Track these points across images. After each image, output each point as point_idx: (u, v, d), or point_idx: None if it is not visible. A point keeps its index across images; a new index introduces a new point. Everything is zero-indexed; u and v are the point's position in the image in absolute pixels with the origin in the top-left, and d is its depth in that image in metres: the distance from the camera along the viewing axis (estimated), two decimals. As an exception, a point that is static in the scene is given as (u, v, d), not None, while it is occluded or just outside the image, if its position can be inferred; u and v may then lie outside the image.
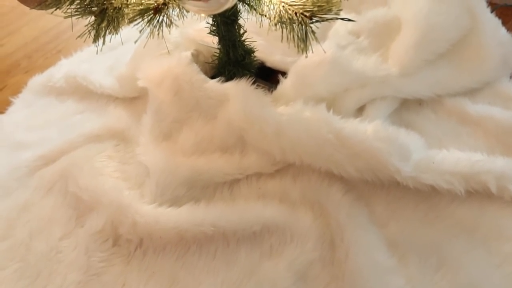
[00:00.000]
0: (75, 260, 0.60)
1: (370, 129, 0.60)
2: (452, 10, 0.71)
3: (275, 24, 0.49)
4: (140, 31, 0.48)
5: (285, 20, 0.47)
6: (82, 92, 0.91)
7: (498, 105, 0.72)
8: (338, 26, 0.78)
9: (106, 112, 0.86)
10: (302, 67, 0.66)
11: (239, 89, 0.65)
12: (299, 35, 0.47)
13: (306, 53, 0.48)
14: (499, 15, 0.78)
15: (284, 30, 0.48)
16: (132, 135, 0.76)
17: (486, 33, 0.74)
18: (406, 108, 0.73)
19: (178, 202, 0.63)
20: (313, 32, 0.47)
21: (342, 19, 0.48)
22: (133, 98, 0.85)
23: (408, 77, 0.69)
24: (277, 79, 0.70)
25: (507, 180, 0.57)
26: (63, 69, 0.94)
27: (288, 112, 0.62)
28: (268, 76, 0.73)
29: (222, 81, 0.67)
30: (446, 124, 0.71)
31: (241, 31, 0.67)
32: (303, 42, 0.46)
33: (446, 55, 0.73)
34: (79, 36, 0.53)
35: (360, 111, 0.70)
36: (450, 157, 0.62)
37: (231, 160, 0.65)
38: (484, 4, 0.75)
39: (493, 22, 0.76)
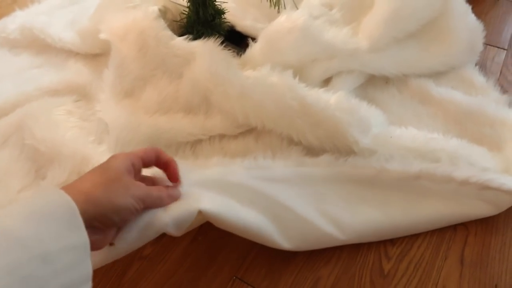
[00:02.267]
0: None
1: (333, 99, 0.64)
2: (425, -10, 0.75)
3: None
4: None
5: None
6: (39, 45, 0.90)
7: (460, 90, 0.77)
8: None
9: (65, 67, 0.86)
10: (273, 32, 0.68)
11: (207, 49, 0.66)
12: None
13: (279, 8, 0.50)
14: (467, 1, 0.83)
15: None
16: (93, 91, 0.77)
17: (455, 17, 0.79)
18: (373, 85, 0.77)
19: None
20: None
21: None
22: (95, 55, 0.85)
23: (376, 53, 0.73)
24: (247, 44, 0.72)
25: (459, 159, 0.62)
26: (18, 20, 0.92)
27: (254, 76, 0.65)
28: (237, 42, 0.75)
29: (190, 40, 0.68)
30: (409, 103, 0.76)
31: (213, -11, 0.68)
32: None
33: (415, 35, 0.77)
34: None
35: (326, 83, 0.73)
36: (407, 133, 0.66)
37: (195, 121, 0.67)
38: (456, -12, 0.80)
39: (463, 7, 0.81)
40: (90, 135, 0.68)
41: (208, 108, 0.68)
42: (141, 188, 0.45)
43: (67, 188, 0.39)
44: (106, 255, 0.46)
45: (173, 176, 0.51)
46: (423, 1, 0.76)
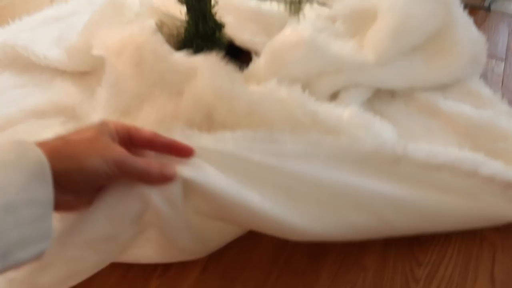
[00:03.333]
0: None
1: (346, 114, 0.62)
2: (429, 2, 0.75)
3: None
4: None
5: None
6: (22, 64, 0.87)
7: (468, 103, 0.76)
8: (308, 12, 0.80)
9: (51, 87, 0.83)
10: (278, 45, 0.67)
11: (209, 64, 0.64)
12: None
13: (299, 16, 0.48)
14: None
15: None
16: (83, 112, 0.74)
17: (459, 29, 0.79)
18: (378, 98, 0.76)
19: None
20: None
21: None
22: (83, 74, 0.83)
23: (383, 66, 0.72)
24: (247, 59, 0.70)
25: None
26: (-2, 38, 0.89)
27: (260, 91, 0.63)
28: (236, 56, 0.74)
29: (190, 54, 0.66)
30: (417, 117, 0.75)
31: (212, 2, 0.67)
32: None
33: (421, 49, 0.77)
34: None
35: (333, 97, 0.72)
36: (419, 149, 0.64)
37: (198, 140, 0.64)
38: (459, 1, 0.81)
39: (465, 19, 0.81)
40: None
41: (211, 125, 0.66)
42: (118, 152, 0.42)
43: (41, 144, 0.39)
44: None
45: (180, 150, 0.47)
46: (426, 13, 0.76)
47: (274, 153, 0.54)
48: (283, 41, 0.67)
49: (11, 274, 0.37)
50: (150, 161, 0.45)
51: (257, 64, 0.68)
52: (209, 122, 0.65)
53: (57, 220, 0.41)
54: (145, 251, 0.54)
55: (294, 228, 0.51)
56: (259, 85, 0.64)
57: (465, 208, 0.57)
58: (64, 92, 0.80)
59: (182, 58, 0.66)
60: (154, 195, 0.44)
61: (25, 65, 0.87)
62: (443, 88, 0.79)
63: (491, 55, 0.95)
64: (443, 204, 0.57)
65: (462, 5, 0.82)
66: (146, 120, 0.67)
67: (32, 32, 0.94)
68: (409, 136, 0.69)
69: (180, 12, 0.70)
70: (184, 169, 0.46)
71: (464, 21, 0.81)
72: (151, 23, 0.69)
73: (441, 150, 0.60)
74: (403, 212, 0.55)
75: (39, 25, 0.99)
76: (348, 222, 0.53)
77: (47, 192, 0.36)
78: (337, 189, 0.54)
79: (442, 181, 0.57)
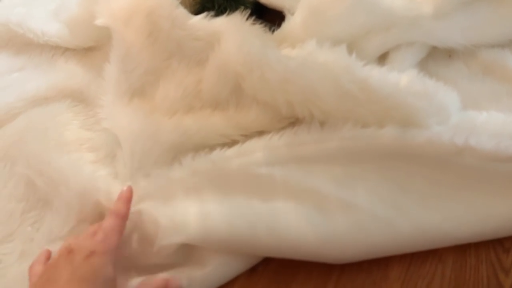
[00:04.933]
0: (22, 275, 0.50)
1: (404, 81, 0.54)
2: None
3: None
4: None
5: None
6: (18, 43, 0.80)
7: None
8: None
9: (53, 68, 0.76)
10: (317, 0, 0.58)
11: (233, 26, 0.57)
12: None
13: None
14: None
15: None
16: (93, 94, 0.67)
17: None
18: (433, 59, 0.67)
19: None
20: None
21: None
22: (89, 49, 0.76)
23: (441, 20, 0.63)
24: (277, 18, 0.62)
25: None
26: (-12, 17, 0.82)
27: (297, 55, 0.55)
28: (263, 17, 0.66)
29: (211, 17, 0.59)
30: (481, 80, 0.65)
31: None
32: None
33: (485, -3, 0.67)
34: None
35: (382, 59, 0.64)
36: (493, 119, 0.56)
37: (227, 117, 0.57)
38: None
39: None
40: (96, 151, 0.59)
41: (239, 100, 0.59)
42: None
43: None
44: None
45: None
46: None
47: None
48: (322, -5, 0.58)
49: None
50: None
51: (291, 22, 0.59)
52: (237, 96, 0.58)
53: None
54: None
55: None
56: (295, 48, 0.57)
57: None
58: (67, 73, 0.73)
59: (202, 22, 0.59)
60: None
61: (22, 44, 0.80)
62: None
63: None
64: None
65: None
66: (165, 99, 0.60)
67: (26, 6, 0.86)
68: (473, 104, 0.60)
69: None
70: None
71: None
72: (162, -16, 0.61)
73: None
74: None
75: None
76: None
77: None
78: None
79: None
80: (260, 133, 0.57)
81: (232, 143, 0.56)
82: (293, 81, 0.54)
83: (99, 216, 0.53)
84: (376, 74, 0.54)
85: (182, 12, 0.59)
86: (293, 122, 0.57)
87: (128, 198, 0.50)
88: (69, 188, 0.55)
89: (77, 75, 0.71)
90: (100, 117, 0.61)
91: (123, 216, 0.48)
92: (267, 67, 0.54)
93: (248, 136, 0.56)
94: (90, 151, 0.59)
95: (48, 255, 0.49)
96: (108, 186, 0.54)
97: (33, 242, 0.55)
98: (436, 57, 0.68)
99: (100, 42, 0.72)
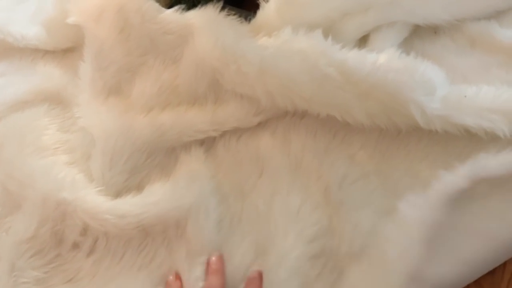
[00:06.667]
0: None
1: (382, 59, 0.53)
2: None
3: None
4: None
5: None
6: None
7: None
8: None
9: (33, 72, 0.75)
10: (291, -14, 0.58)
11: (207, 19, 0.57)
12: None
13: None
14: None
15: None
16: (70, 95, 0.66)
17: None
18: (419, 37, 0.66)
19: (137, 174, 0.56)
20: None
21: None
22: (68, 50, 0.75)
23: (422, -3, 0.62)
24: (252, 6, 0.62)
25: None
26: (-31, 21, 0.82)
27: (273, 44, 0.55)
28: (238, 5, 0.65)
29: (182, 10, 0.59)
30: (469, 54, 0.65)
31: None
32: None
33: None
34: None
35: (362, 42, 0.63)
36: (483, 92, 0.55)
37: (203, 113, 0.57)
38: None
39: None
40: (72, 152, 0.59)
41: (217, 95, 0.59)
42: None
43: None
44: None
45: None
46: None
47: None
48: (295, -21, 0.57)
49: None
50: None
51: (266, 11, 0.59)
52: (215, 91, 0.59)
53: None
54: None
55: None
56: (271, 37, 0.57)
57: None
58: (46, 75, 0.72)
59: (174, 15, 0.59)
60: None
61: (2, 50, 0.79)
62: (498, 15, 0.67)
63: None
64: None
65: None
66: (141, 96, 0.60)
67: (8, 11, 0.87)
68: (462, 79, 0.60)
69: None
70: None
71: None
72: (131, -23, 0.61)
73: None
74: None
75: (15, 2, 0.91)
76: None
77: None
78: None
79: None
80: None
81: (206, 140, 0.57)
82: (270, 71, 0.53)
83: (61, 215, 0.53)
84: (354, 56, 0.54)
85: (153, 6, 0.59)
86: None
87: (219, 269, 0.49)
88: (36, 189, 0.55)
89: (55, 77, 0.71)
90: (77, 116, 0.62)
91: None
92: (242, 60, 0.54)
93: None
94: (66, 153, 0.59)
95: None
96: (72, 184, 0.54)
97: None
98: (422, 35, 0.67)
99: (78, 42, 0.72)
